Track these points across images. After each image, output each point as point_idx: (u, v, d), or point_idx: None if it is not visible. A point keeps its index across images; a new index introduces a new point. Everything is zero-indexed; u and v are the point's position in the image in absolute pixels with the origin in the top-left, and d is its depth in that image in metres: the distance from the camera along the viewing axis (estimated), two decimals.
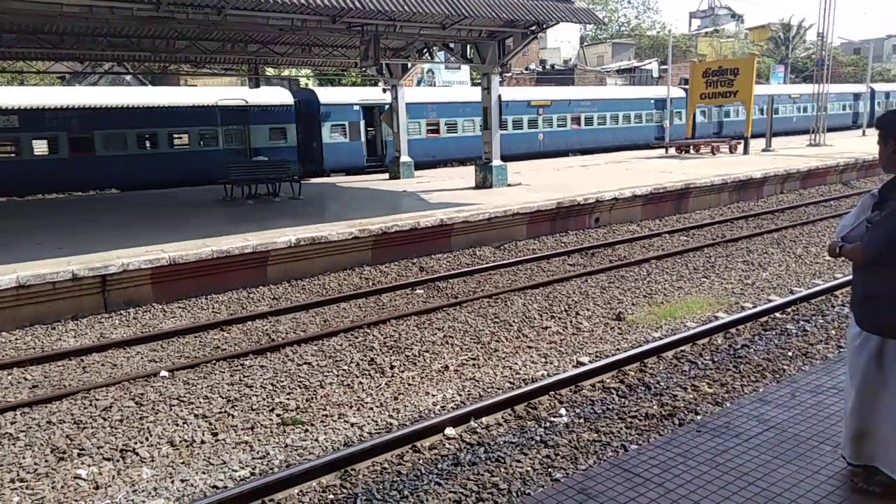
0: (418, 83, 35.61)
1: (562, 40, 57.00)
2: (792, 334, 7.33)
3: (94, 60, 20.95)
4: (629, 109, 31.03)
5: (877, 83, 45.47)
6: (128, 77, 28.03)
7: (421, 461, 4.93)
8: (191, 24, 13.34)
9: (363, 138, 23.82)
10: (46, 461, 5.14)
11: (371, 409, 5.93)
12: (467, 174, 18.41)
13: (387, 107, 21.12)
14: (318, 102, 22.98)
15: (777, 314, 8.02)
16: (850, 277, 3.45)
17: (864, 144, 27.04)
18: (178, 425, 5.67)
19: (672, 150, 26.49)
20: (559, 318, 8.26)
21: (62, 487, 4.78)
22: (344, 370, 6.78)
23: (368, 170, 23.61)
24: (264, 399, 6.15)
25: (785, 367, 6.41)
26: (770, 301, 8.54)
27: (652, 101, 31.94)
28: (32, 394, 6.53)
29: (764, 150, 25.88)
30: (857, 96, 42.12)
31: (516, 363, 6.86)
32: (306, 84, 33.26)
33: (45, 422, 5.80)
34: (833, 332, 7.33)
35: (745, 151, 25.13)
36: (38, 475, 4.95)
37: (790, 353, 6.74)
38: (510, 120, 25.92)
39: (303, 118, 22.99)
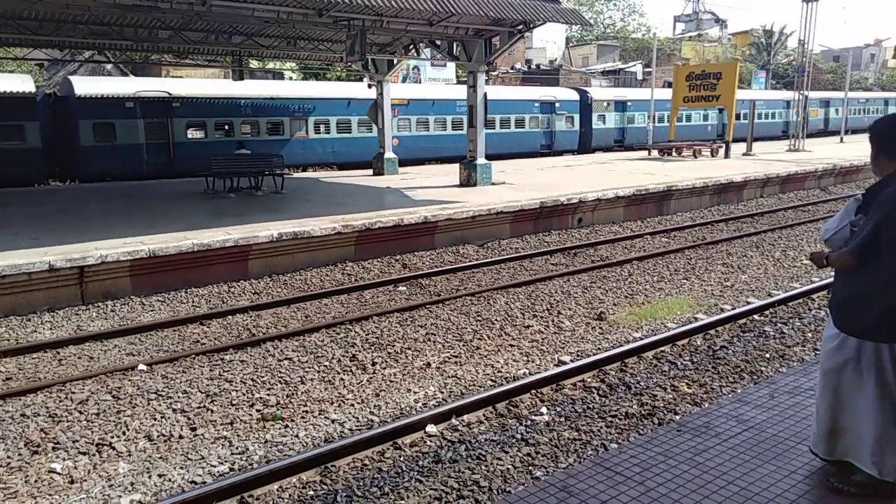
0: (403, 80, 35.52)
1: (548, 40, 57.23)
2: (770, 336, 7.43)
3: (74, 48, 20.65)
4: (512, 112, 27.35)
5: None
6: (108, 66, 27.64)
7: (402, 458, 4.91)
8: (174, 14, 13.15)
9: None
10: (20, 455, 5.05)
11: (352, 405, 5.90)
12: (452, 172, 18.40)
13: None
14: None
15: (755, 316, 8.13)
16: (826, 281, 3.50)
17: (843, 151, 27.52)
18: (155, 420, 5.60)
19: (654, 153, 26.72)
20: (541, 317, 8.29)
21: (36, 481, 4.70)
22: (325, 366, 6.74)
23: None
24: (244, 394, 6.10)
25: (762, 368, 6.50)
26: (749, 303, 8.65)
27: (536, 105, 28.16)
28: (6, 386, 6.41)
29: (745, 155, 26.22)
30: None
31: (498, 361, 6.88)
32: (290, 78, 32.98)
33: (20, 414, 5.70)
34: (810, 334, 7.44)
35: (727, 155, 25.45)
36: (11, 469, 4.86)
37: (768, 355, 6.84)
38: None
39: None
